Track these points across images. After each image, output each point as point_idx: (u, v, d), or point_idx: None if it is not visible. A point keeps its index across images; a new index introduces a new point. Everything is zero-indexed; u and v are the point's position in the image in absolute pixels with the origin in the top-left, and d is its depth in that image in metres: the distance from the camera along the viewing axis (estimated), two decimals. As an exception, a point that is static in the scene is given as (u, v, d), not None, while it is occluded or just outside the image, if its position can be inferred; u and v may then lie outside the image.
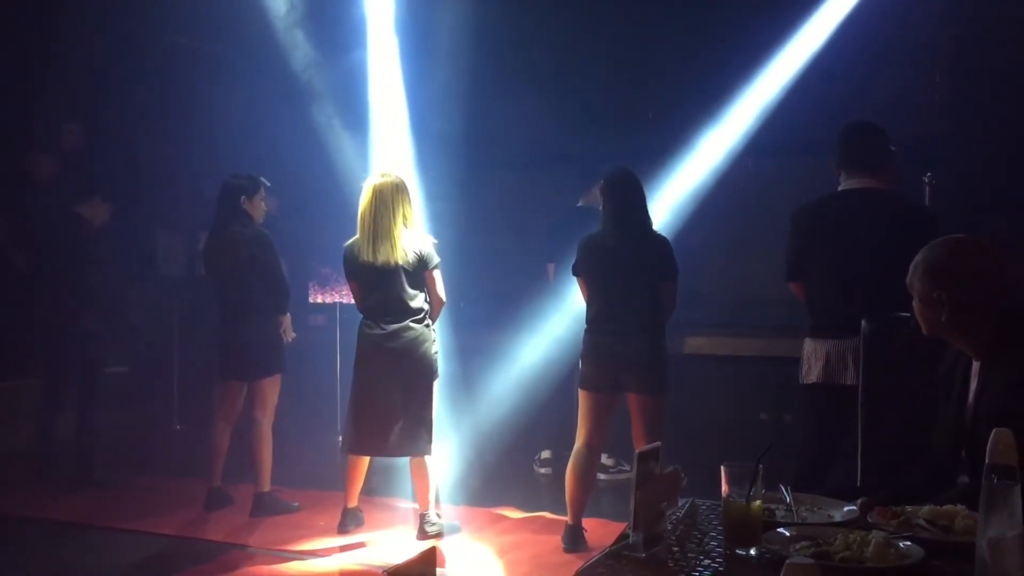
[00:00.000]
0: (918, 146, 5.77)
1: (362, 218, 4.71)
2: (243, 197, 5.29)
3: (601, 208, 4.64)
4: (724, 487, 1.98)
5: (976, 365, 2.51)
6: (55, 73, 7.33)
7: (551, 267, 6.01)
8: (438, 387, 4.90)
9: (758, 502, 1.96)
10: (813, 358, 3.92)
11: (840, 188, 4.00)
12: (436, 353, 4.83)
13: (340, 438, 5.40)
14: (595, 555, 2.02)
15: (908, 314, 2.61)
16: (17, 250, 6.34)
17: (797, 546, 1.92)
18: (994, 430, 1.73)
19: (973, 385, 2.50)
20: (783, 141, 6.33)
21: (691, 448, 4.34)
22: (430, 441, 4.75)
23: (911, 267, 2.51)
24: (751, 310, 6.70)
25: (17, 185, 6.62)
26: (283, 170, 7.29)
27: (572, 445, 4.62)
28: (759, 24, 6.46)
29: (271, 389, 5.35)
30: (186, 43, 7.56)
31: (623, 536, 2.02)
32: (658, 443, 2.11)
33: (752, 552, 1.93)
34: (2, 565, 4.58)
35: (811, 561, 1.56)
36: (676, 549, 2.03)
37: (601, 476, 5.65)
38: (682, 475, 2.16)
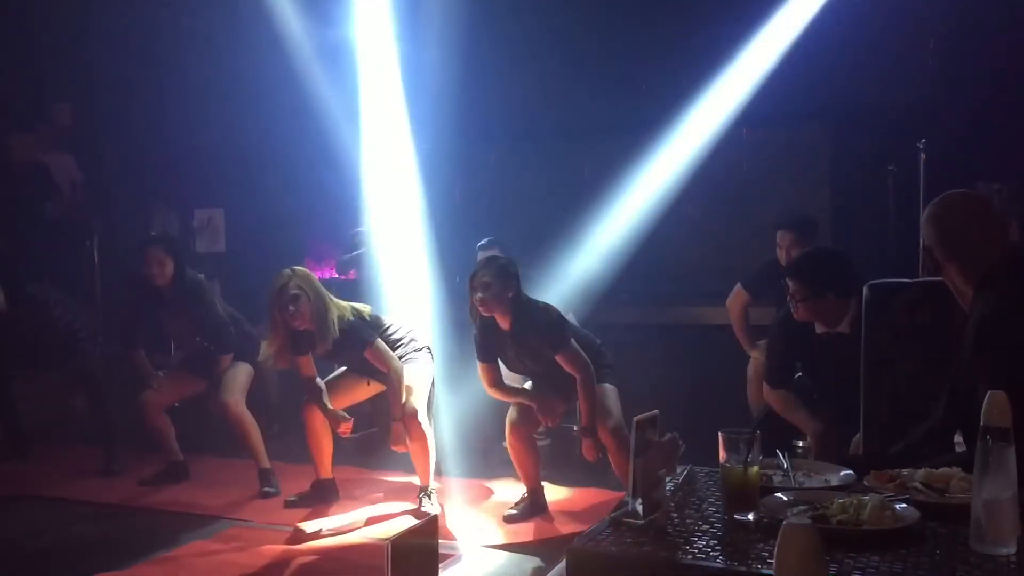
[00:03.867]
0: (911, 113, 5.75)
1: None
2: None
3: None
4: (722, 453, 2.00)
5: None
6: (43, 50, 7.27)
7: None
8: (438, 363, 4.95)
9: (755, 468, 1.98)
10: None
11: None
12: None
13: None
14: (595, 524, 2.04)
15: (909, 280, 2.63)
16: None
17: (794, 510, 1.94)
18: (989, 392, 1.75)
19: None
20: (777, 110, 6.30)
21: (688, 415, 4.36)
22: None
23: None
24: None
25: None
26: (273, 149, 7.29)
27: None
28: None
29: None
30: (176, 18, 7.48)
31: (622, 503, 2.04)
32: (655, 411, 2.12)
33: (750, 517, 1.95)
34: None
35: (808, 522, 1.58)
36: (675, 515, 2.05)
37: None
38: (680, 442, 2.18)
